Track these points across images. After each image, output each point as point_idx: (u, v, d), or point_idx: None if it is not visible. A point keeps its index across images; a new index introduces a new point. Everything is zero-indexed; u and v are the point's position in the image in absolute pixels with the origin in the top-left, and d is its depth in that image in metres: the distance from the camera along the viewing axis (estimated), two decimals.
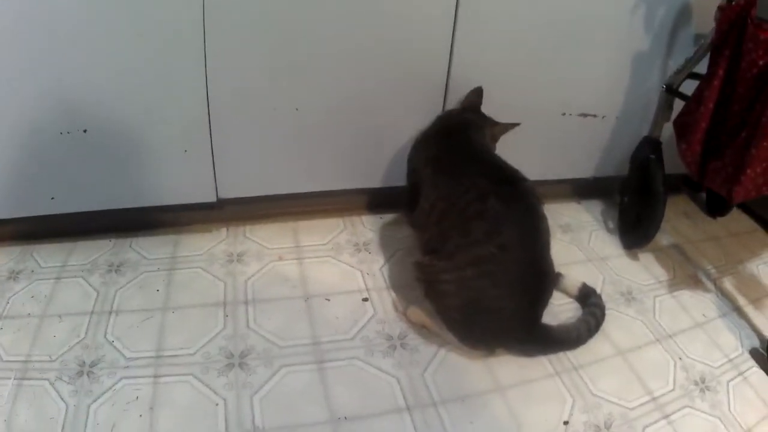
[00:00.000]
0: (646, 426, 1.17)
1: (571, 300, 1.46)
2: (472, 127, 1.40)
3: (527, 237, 1.18)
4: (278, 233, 1.62)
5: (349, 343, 1.29)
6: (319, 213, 1.70)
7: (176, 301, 1.35)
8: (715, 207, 1.89)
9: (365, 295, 1.43)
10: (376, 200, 1.74)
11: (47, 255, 1.46)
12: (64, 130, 1.31)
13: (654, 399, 1.23)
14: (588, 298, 1.42)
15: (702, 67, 1.41)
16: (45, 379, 1.13)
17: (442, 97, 1.55)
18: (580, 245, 1.70)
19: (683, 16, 1.59)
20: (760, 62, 1.20)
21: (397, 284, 1.46)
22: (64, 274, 1.41)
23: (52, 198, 1.40)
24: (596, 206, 1.90)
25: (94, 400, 1.10)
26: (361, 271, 1.50)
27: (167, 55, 1.29)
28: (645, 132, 1.65)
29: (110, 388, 1.13)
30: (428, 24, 1.43)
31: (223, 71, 1.34)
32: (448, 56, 1.48)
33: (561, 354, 1.30)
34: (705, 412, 1.21)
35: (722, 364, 1.34)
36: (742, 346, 1.40)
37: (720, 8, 1.30)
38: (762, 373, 1.33)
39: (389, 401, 1.16)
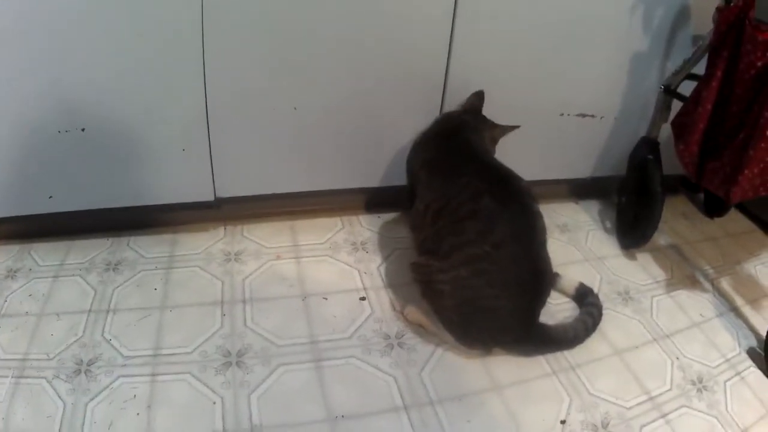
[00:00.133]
0: (644, 425, 1.17)
1: (568, 300, 1.46)
2: (470, 129, 1.40)
3: (522, 236, 1.18)
4: (276, 232, 1.62)
5: (347, 342, 1.29)
6: (317, 212, 1.70)
7: (174, 299, 1.35)
8: (713, 207, 1.89)
9: (363, 294, 1.43)
10: (373, 199, 1.74)
11: (45, 253, 1.46)
12: (62, 128, 1.31)
13: (651, 398, 1.23)
14: (585, 297, 1.42)
15: (700, 68, 1.41)
16: (42, 378, 1.13)
17: (440, 97, 1.55)
18: (578, 245, 1.71)
19: (682, 17, 1.59)
20: (759, 63, 1.20)
21: (394, 283, 1.46)
22: (62, 273, 1.41)
23: (50, 197, 1.40)
24: (594, 206, 1.90)
25: (92, 399, 1.10)
26: (358, 270, 1.51)
27: (166, 55, 1.29)
28: (643, 132, 1.66)
29: (108, 386, 1.13)
30: (427, 24, 1.43)
31: (221, 71, 1.34)
32: (447, 56, 1.48)
33: (558, 353, 1.31)
34: (702, 412, 1.22)
35: (719, 364, 1.34)
36: (739, 346, 1.40)
37: (718, 9, 1.30)
38: (759, 373, 1.33)
39: (386, 400, 1.16)
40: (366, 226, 1.68)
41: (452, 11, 1.42)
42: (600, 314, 1.38)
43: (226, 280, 1.43)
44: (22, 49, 1.20)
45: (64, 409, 1.07)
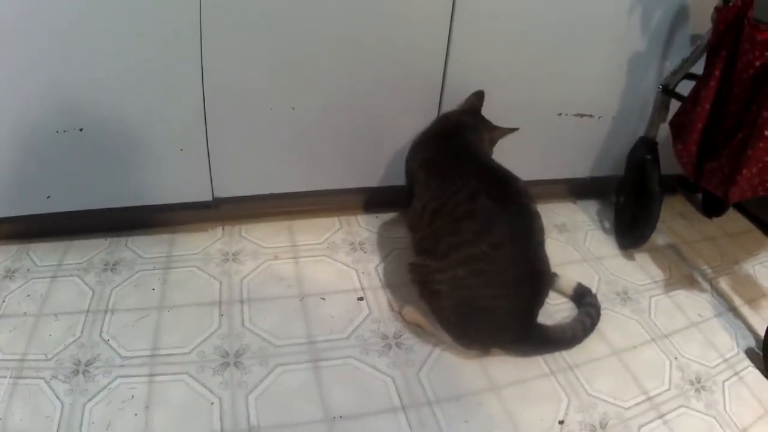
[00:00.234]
0: (642, 425, 1.17)
1: (566, 300, 1.46)
2: (468, 130, 1.40)
3: (520, 236, 1.18)
4: (274, 232, 1.62)
5: (345, 342, 1.29)
6: (315, 212, 1.70)
7: (172, 300, 1.35)
8: (711, 207, 1.89)
9: (360, 294, 1.43)
10: (372, 200, 1.74)
11: (43, 254, 1.46)
12: (60, 128, 1.31)
13: (649, 399, 1.23)
14: (583, 297, 1.42)
15: (698, 68, 1.41)
16: (40, 378, 1.13)
17: (438, 96, 1.55)
18: (576, 245, 1.71)
19: (680, 16, 1.59)
20: (757, 63, 1.20)
21: (392, 283, 1.46)
22: (60, 273, 1.41)
23: (49, 197, 1.40)
24: (592, 206, 1.90)
25: (90, 399, 1.10)
26: (356, 271, 1.50)
27: (165, 55, 1.29)
28: (641, 132, 1.66)
29: (106, 386, 1.13)
30: (425, 24, 1.43)
31: (220, 70, 1.34)
32: (445, 56, 1.48)
33: (556, 353, 1.31)
34: (700, 412, 1.22)
35: (718, 364, 1.34)
36: (737, 346, 1.40)
37: (717, 9, 1.30)
38: (758, 373, 1.33)
39: (384, 400, 1.16)
40: (364, 226, 1.68)
41: (450, 11, 1.42)
42: (598, 314, 1.38)
43: (224, 281, 1.43)
44: (22, 49, 1.20)
45: (62, 409, 1.07)
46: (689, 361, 1.34)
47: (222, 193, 1.53)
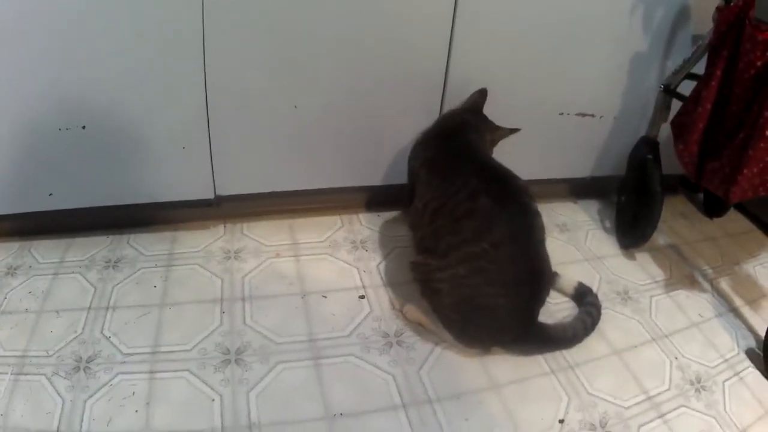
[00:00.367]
0: (642, 425, 1.17)
1: (567, 299, 1.46)
2: (470, 129, 1.40)
3: (520, 234, 1.18)
4: (275, 230, 1.62)
5: (346, 340, 1.29)
6: (317, 210, 1.70)
7: (173, 297, 1.36)
8: (712, 207, 1.89)
9: (362, 292, 1.43)
10: (373, 198, 1.74)
11: (45, 251, 1.46)
12: (62, 126, 1.31)
13: (650, 398, 1.23)
14: (584, 297, 1.42)
15: (700, 68, 1.41)
16: (42, 374, 1.13)
17: (440, 96, 1.55)
18: (577, 245, 1.71)
19: (681, 16, 1.59)
20: (758, 63, 1.20)
21: (393, 282, 1.47)
22: (62, 270, 1.41)
23: (50, 194, 1.40)
24: (593, 206, 1.90)
25: (91, 396, 1.10)
26: (357, 269, 1.51)
27: (166, 54, 1.29)
28: (642, 132, 1.66)
29: (107, 383, 1.13)
30: (426, 24, 1.43)
31: (221, 69, 1.34)
32: (446, 56, 1.49)
33: (557, 353, 1.31)
34: (700, 412, 1.22)
35: (718, 364, 1.34)
36: (738, 346, 1.40)
37: (718, 9, 1.30)
38: (758, 373, 1.33)
39: (385, 398, 1.17)
40: (366, 225, 1.69)
41: (452, 11, 1.42)
42: (599, 314, 1.38)
43: (226, 278, 1.43)
44: (23, 49, 1.20)
45: (63, 405, 1.07)
46: (689, 361, 1.34)
47: (224, 191, 1.53)
